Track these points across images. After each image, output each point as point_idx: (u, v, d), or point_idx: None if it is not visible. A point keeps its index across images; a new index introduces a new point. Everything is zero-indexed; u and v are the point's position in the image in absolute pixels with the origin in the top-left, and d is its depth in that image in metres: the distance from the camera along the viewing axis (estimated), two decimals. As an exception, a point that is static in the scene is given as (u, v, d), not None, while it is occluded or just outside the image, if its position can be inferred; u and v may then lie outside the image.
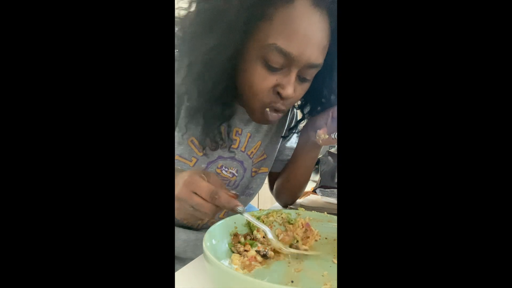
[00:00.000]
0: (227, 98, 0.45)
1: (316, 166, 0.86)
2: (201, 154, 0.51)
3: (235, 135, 0.53)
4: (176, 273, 0.34)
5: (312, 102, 0.55)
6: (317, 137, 0.48)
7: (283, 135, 0.61)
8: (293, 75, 0.40)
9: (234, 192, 0.36)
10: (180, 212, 0.36)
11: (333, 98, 0.52)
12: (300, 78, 0.42)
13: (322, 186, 0.79)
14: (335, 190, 0.76)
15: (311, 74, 0.42)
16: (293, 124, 0.63)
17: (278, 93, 0.41)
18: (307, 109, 0.57)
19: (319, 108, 0.54)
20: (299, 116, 0.60)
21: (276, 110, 0.44)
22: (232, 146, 0.53)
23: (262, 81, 0.41)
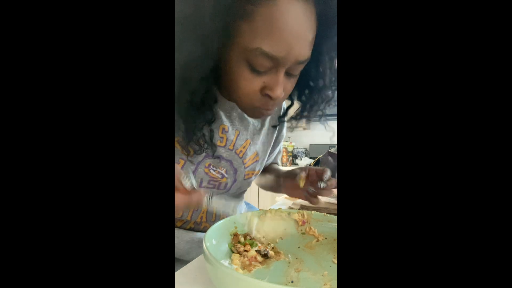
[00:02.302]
0: (207, 104, 0.43)
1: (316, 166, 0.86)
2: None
3: (222, 133, 0.51)
4: (176, 273, 0.34)
5: (299, 86, 0.51)
6: (298, 179, 0.50)
7: (273, 124, 0.60)
8: (280, 75, 0.38)
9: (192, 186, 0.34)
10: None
11: (321, 82, 0.48)
12: (288, 74, 0.40)
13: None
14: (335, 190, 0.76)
15: (298, 69, 0.40)
16: (282, 112, 0.61)
17: (267, 95, 0.39)
18: (295, 95, 0.54)
19: (307, 91, 0.51)
20: (287, 103, 0.59)
21: (267, 109, 0.43)
22: (219, 144, 0.51)
23: (248, 84, 0.38)
